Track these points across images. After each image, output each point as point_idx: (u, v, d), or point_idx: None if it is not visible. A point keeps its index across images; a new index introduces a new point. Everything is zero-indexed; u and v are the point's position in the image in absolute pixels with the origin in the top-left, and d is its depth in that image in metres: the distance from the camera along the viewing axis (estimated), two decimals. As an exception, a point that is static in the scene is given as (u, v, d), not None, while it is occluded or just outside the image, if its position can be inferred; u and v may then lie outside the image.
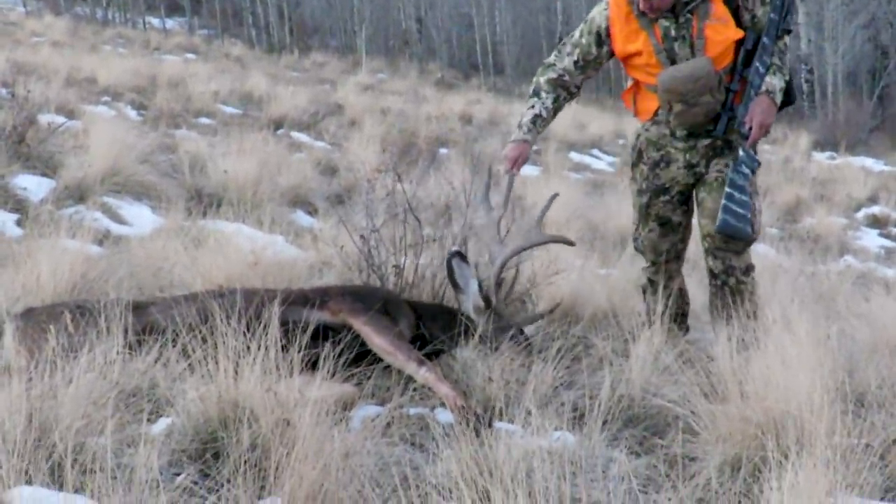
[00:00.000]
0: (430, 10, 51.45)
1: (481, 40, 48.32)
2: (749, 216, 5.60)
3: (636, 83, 5.91)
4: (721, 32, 5.55)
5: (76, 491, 3.19)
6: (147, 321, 4.79)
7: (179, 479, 3.54)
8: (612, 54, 5.80)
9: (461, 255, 5.63)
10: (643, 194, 6.00)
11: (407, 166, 11.14)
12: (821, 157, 27.67)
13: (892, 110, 40.52)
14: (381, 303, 5.16)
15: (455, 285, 5.60)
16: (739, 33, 5.58)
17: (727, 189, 5.56)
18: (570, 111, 22.73)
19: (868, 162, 26.70)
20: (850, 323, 6.21)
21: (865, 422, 4.37)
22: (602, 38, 5.73)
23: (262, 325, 4.04)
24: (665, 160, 5.90)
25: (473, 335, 5.31)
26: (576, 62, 5.80)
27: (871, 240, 15.71)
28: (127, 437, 3.78)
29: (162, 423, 3.97)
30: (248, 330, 4.03)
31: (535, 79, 5.93)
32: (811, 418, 4.02)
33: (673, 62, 5.59)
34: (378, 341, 4.88)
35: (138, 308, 4.89)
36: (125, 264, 6.37)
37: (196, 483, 3.59)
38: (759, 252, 10.81)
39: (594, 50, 5.77)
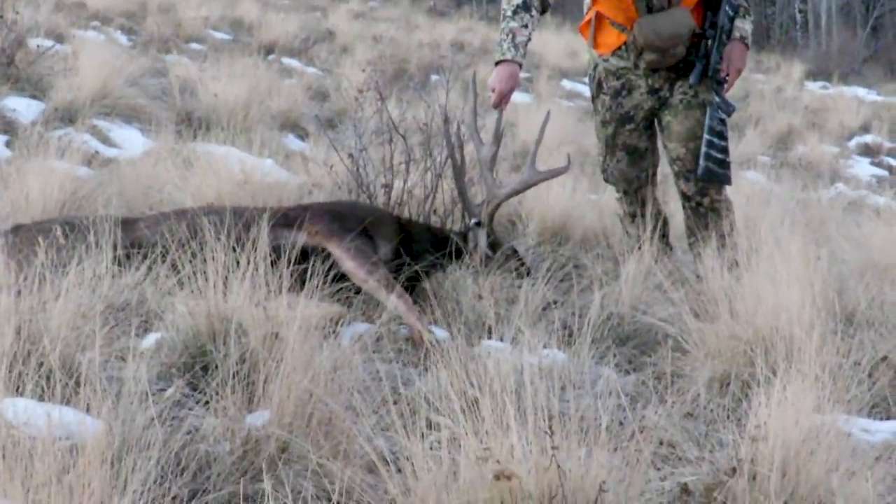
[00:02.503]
0: (422, -62, 50.99)
1: (474, -32, 47.93)
2: (729, 160, 5.62)
3: (598, 16, 5.79)
4: None
5: (65, 402, 3.19)
6: (136, 237, 4.79)
7: (169, 391, 3.55)
8: None
9: (479, 224, 5.54)
10: (607, 125, 5.94)
11: (398, 91, 11.11)
12: (813, 86, 27.56)
13: (885, 41, 40.34)
14: (360, 222, 5.09)
15: (465, 240, 5.51)
16: None
17: (706, 136, 5.58)
18: (564, 39, 22.65)
19: (861, 91, 26.59)
20: (841, 246, 6.23)
21: (854, 340, 4.40)
22: None
23: (251, 241, 4.04)
24: (627, 88, 5.86)
25: (464, 255, 5.31)
26: None
27: (863, 168, 15.70)
28: (116, 351, 3.81)
29: (151, 338, 3.98)
30: (237, 246, 4.03)
31: None
32: (800, 335, 4.04)
33: (649, 10, 5.55)
34: (350, 265, 4.83)
35: (127, 224, 4.88)
36: (115, 184, 6.37)
37: (185, 395, 3.60)
38: (751, 179, 10.82)
39: None
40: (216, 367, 3.66)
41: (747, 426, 3.39)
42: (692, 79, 5.63)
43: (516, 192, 5.67)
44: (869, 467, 3.26)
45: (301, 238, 4.88)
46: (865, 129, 18.89)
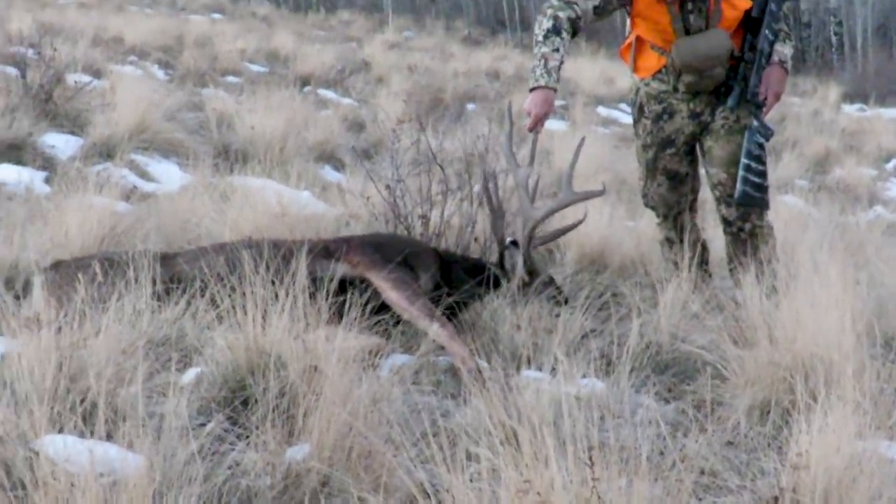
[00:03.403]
0: (456, -33, 51.09)
1: (508, -4, 48.04)
2: (767, 185, 5.61)
3: (638, 39, 5.84)
4: (735, 6, 5.56)
5: (107, 438, 3.21)
6: (175, 272, 4.80)
7: (209, 426, 3.55)
8: (626, 5, 5.67)
9: (515, 244, 5.57)
10: (648, 149, 5.97)
11: (434, 121, 11.14)
12: (850, 109, 27.46)
13: (922, 62, 40.22)
14: (401, 254, 5.10)
15: (503, 268, 5.55)
16: (749, 3, 5.57)
17: (744, 160, 5.57)
18: (599, 66, 22.66)
19: (898, 114, 26.52)
20: (880, 269, 6.18)
21: (895, 365, 4.36)
22: None
23: (290, 274, 4.05)
24: (668, 112, 5.87)
25: (501, 285, 5.32)
26: (596, 7, 5.55)
27: (902, 190, 15.63)
28: (156, 386, 3.81)
29: (191, 372, 3.99)
30: (275, 279, 4.04)
31: (552, 11, 5.52)
32: (840, 361, 4.03)
33: (686, 32, 5.57)
34: (393, 295, 4.85)
35: (166, 259, 4.90)
36: (153, 218, 6.40)
37: (226, 430, 3.61)
38: (789, 203, 10.77)
39: (615, 1, 5.63)
40: (256, 401, 3.67)
41: (788, 454, 3.38)
42: (730, 102, 5.62)
43: (553, 213, 5.69)
44: (913, 494, 3.24)
45: (342, 269, 4.91)
46: (903, 150, 18.82)
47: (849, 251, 6.82)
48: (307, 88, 15.80)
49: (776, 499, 3.16)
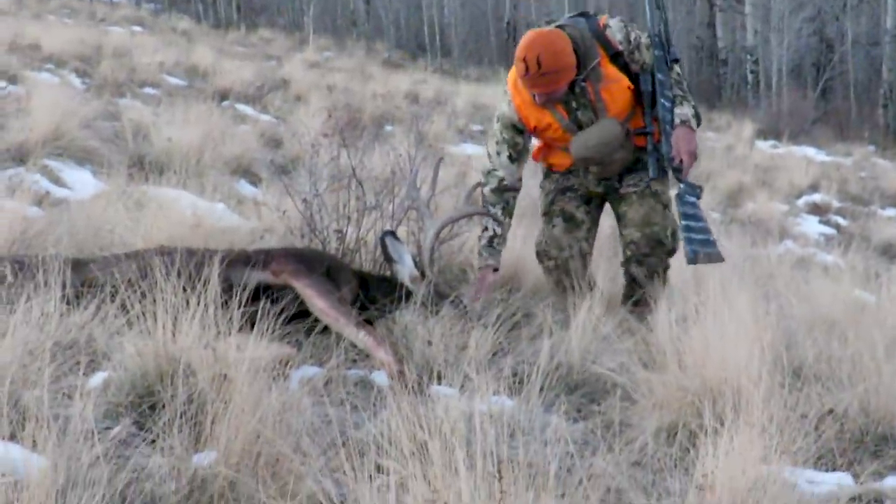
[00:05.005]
0: (378, -9, 51.19)
1: (429, 22, 48.14)
2: (713, 238, 5.70)
3: (545, 143, 6.08)
4: (616, 92, 5.69)
5: (10, 438, 3.17)
6: (86, 277, 4.74)
7: (115, 430, 3.51)
8: (526, 134, 5.97)
9: (393, 234, 5.64)
10: (549, 194, 6.16)
11: (352, 138, 11.12)
12: (764, 145, 27.86)
13: (834, 103, 40.92)
14: (323, 266, 5.14)
15: (389, 259, 5.60)
16: (627, 81, 5.71)
17: (683, 222, 5.67)
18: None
19: (810, 151, 26.95)
20: (789, 301, 6.26)
21: (801, 393, 4.42)
22: (517, 126, 5.89)
23: (202, 282, 4.02)
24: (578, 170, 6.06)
25: (413, 301, 5.32)
26: (510, 156, 5.96)
27: (811, 226, 15.86)
28: (63, 389, 3.76)
29: (98, 377, 3.94)
30: (187, 286, 4.01)
31: (482, 190, 6.05)
32: (748, 387, 4.06)
33: (580, 127, 5.74)
34: (319, 303, 4.86)
35: (77, 264, 4.84)
36: (65, 224, 6.30)
37: (132, 434, 3.57)
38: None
39: (518, 139, 5.95)
40: (163, 406, 3.63)
41: (694, 475, 3.40)
42: (651, 172, 5.81)
43: (452, 221, 6.03)
44: (814, 518, 3.27)
45: (259, 276, 4.90)
46: (814, 188, 19.11)
47: (759, 283, 6.90)
48: (225, 103, 15.73)
49: (681, 518, 3.18)
